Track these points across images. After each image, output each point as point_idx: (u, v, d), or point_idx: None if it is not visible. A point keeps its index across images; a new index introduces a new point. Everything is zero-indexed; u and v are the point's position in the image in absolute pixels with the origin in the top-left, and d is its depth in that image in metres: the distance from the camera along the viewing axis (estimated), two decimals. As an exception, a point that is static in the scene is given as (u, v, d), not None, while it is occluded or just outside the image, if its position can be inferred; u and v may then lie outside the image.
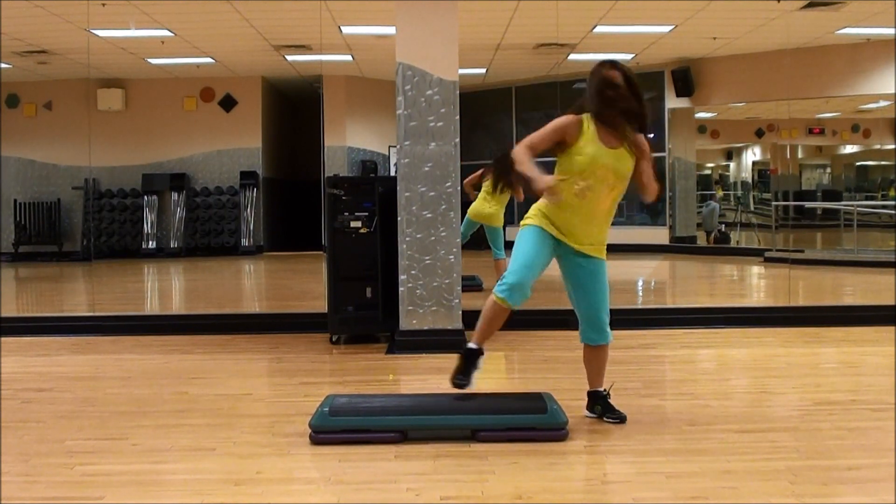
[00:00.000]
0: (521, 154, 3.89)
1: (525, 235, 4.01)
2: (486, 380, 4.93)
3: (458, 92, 6.20)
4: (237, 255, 14.79)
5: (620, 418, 4.09)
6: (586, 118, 3.99)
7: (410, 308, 6.22)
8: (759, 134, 18.69)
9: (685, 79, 14.09)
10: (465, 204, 7.94)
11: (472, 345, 4.03)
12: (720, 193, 19.43)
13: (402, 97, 6.21)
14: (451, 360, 5.72)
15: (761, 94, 13.81)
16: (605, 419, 4.11)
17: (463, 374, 3.99)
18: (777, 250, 12.90)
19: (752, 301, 9.65)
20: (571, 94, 15.40)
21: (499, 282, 4.00)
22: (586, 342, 4.13)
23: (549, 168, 3.96)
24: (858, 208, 14.91)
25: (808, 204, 18.31)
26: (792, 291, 9.34)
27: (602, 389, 4.19)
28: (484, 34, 11.47)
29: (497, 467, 3.48)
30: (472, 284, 8.56)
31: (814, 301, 9.08)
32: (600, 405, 4.16)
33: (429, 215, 6.20)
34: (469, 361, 4.00)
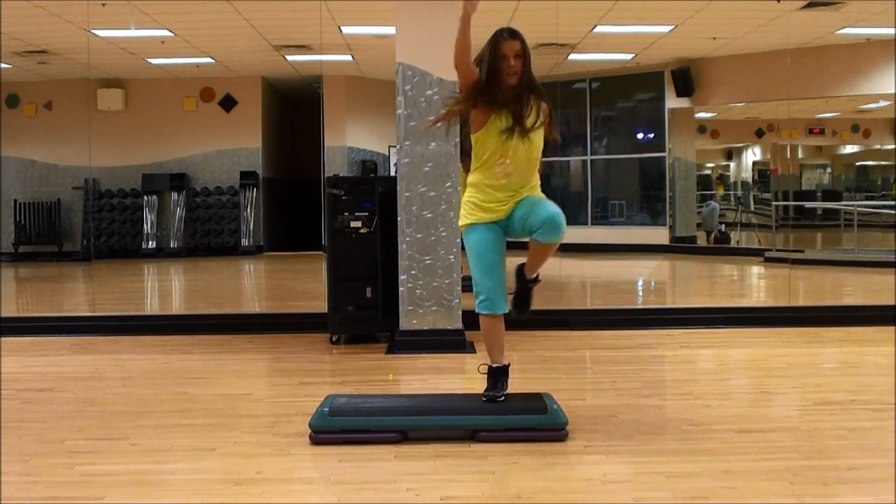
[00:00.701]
0: None
1: (470, 243, 4.04)
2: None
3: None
4: (237, 255, 14.79)
5: (514, 303, 4.12)
6: None
7: (410, 308, 6.22)
8: (759, 134, 18.70)
9: (685, 79, 14.09)
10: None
11: (493, 364, 4.07)
12: (721, 192, 19.41)
13: (402, 97, 6.21)
14: (451, 360, 5.73)
15: (761, 94, 13.82)
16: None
17: (492, 388, 4.01)
18: (777, 250, 12.90)
19: (752, 301, 9.65)
20: (572, 93, 15.44)
21: (476, 299, 4.04)
22: (538, 239, 3.95)
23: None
24: (858, 208, 14.91)
25: (808, 204, 18.32)
26: (792, 291, 9.34)
27: (533, 276, 4.15)
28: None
29: (497, 467, 3.48)
30: (472, 284, 8.54)
31: (814, 301, 9.08)
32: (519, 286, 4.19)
33: (429, 215, 6.20)
34: (495, 378, 4.04)
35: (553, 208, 3.92)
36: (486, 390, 4.03)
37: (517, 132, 3.87)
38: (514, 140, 3.88)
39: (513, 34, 3.91)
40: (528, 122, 3.88)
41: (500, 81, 3.87)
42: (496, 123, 3.90)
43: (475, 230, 4.00)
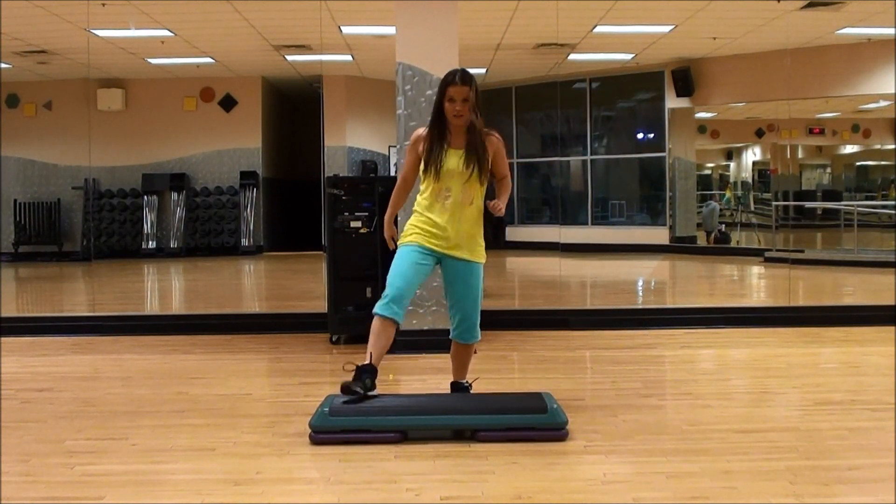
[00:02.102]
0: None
1: (398, 254, 4.16)
2: (486, 380, 4.94)
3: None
4: (237, 255, 14.79)
5: None
6: None
7: (410, 308, 6.18)
8: (759, 134, 18.70)
9: (685, 79, 14.09)
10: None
11: (364, 362, 4.04)
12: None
13: (402, 97, 6.21)
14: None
15: (761, 94, 13.82)
16: None
17: (353, 381, 3.96)
18: (777, 250, 12.90)
19: (752, 301, 9.65)
20: (571, 93, 15.44)
21: (381, 300, 4.06)
22: (457, 339, 4.23)
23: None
24: (858, 208, 14.92)
25: (808, 204, 18.31)
26: (792, 291, 9.34)
27: (465, 381, 4.34)
28: (484, 34, 11.47)
29: (497, 467, 3.48)
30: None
31: (814, 301, 9.09)
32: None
33: (429, 215, 6.18)
34: (360, 373, 4.00)
35: (474, 307, 4.14)
36: (348, 382, 3.96)
37: (437, 172, 4.06)
38: (451, 173, 4.06)
39: (464, 79, 4.09)
40: (451, 164, 4.07)
41: (443, 122, 4.09)
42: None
43: (408, 246, 4.12)
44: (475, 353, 4.20)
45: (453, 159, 4.08)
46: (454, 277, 4.16)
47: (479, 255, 4.18)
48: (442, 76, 5.87)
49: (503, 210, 4.14)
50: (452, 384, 4.38)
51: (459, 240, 4.10)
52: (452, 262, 4.14)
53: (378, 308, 4.02)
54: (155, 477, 3.43)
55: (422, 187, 4.18)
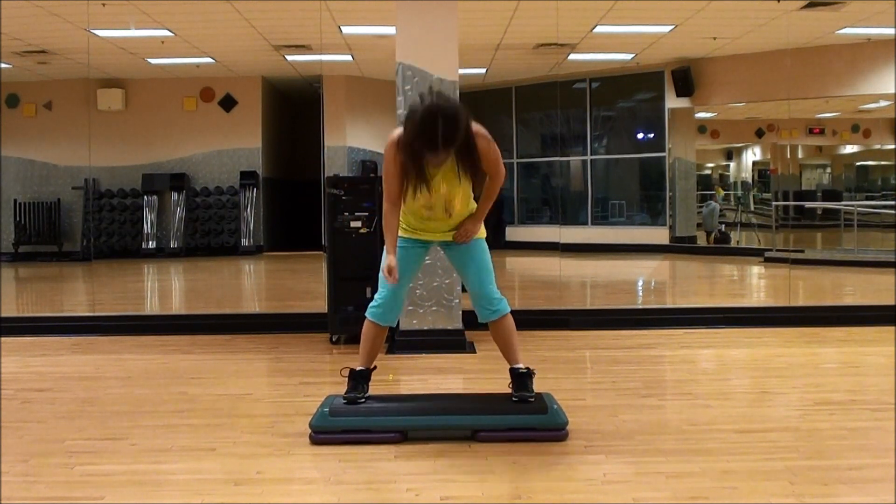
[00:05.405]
0: None
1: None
2: (486, 380, 4.95)
3: (458, 92, 6.19)
4: (237, 255, 14.79)
5: (523, 399, 3.91)
6: None
7: (410, 308, 6.22)
8: (759, 134, 18.71)
9: (685, 79, 14.09)
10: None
11: (358, 367, 4.03)
12: (721, 193, 19.41)
13: (402, 97, 6.21)
14: (451, 360, 5.73)
15: (761, 94, 13.82)
16: (512, 398, 3.95)
17: (352, 390, 3.99)
18: (777, 250, 12.90)
19: (752, 301, 9.65)
20: (571, 94, 15.44)
21: (371, 303, 4.04)
22: (486, 321, 4.06)
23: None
24: (858, 208, 14.92)
25: (808, 204, 18.32)
26: (792, 291, 9.34)
27: (521, 366, 4.00)
28: (484, 34, 11.46)
29: (497, 467, 3.48)
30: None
31: (814, 301, 9.09)
32: (514, 381, 3.99)
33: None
34: (355, 381, 4.01)
35: (488, 280, 3.99)
36: (346, 392, 3.99)
37: (423, 186, 3.86)
38: (431, 184, 3.86)
39: (446, 143, 3.65)
40: (432, 172, 3.83)
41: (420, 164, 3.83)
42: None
43: (398, 242, 4.03)
44: (511, 336, 3.98)
45: (435, 179, 3.86)
46: (457, 260, 4.08)
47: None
48: (442, 76, 5.75)
49: (470, 235, 3.99)
50: (510, 370, 4.02)
51: (449, 229, 4.02)
52: (450, 246, 4.07)
53: (373, 316, 4.00)
54: (155, 477, 3.43)
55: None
